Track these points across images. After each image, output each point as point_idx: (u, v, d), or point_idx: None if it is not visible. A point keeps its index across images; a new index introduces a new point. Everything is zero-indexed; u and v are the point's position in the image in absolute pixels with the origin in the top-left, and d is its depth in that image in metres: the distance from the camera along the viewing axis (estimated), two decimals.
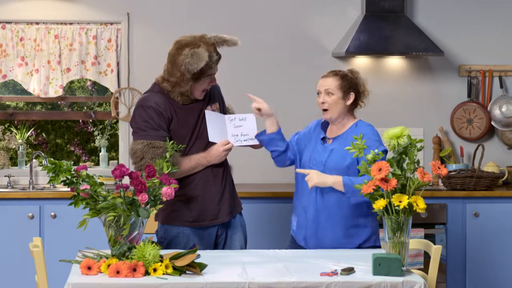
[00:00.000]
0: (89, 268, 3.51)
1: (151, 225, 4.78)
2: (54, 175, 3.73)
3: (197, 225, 4.39)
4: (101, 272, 3.52)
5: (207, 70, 4.31)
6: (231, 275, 3.53)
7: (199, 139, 4.41)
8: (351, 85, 4.32)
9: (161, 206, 3.80)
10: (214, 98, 4.51)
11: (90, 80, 6.75)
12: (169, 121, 4.34)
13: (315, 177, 4.17)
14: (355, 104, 4.36)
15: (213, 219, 4.42)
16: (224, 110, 4.61)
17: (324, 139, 4.35)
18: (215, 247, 4.46)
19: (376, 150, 3.80)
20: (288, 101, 6.32)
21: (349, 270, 3.56)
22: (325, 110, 4.31)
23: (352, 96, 4.31)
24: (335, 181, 4.16)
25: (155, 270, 3.48)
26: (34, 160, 6.29)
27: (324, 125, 4.43)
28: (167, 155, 4.02)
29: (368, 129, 4.28)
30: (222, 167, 4.46)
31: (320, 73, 4.40)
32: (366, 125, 4.34)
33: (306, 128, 4.50)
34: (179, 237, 4.39)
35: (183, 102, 4.37)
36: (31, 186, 6.11)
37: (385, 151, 4.14)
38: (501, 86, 6.42)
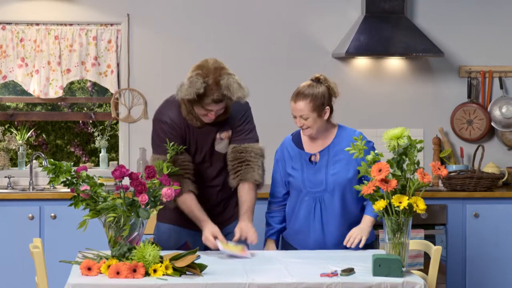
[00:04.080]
0: (89, 269, 3.51)
1: (151, 226, 4.78)
2: (54, 176, 3.73)
3: (183, 225, 4.40)
4: (101, 273, 3.52)
5: (199, 100, 4.11)
6: (231, 276, 3.53)
7: (207, 162, 4.36)
8: (323, 101, 4.18)
9: (161, 207, 3.80)
10: (227, 125, 4.32)
11: (90, 81, 6.74)
12: (183, 136, 4.25)
13: (359, 234, 4.17)
14: (331, 111, 4.25)
15: (194, 225, 4.37)
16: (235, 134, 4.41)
17: (310, 158, 4.26)
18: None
19: (376, 151, 3.81)
20: (287, 102, 6.31)
21: (349, 271, 3.56)
22: (305, 128, 4.22)
23: (327, 110, 4.19)
24: (370, 223, 4.20)
25: (155, 271, 3.48)
26: (34, 161, 6.29)
27: (296, 141, 4.33)
28: (168, 156, 4.01)
29: (357, 132, 4.23)
30: (219, 187, 4.39)
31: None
32: (355, 130, 4.26)
33: (278, 163, 4.37)
34: (170, 234, 4.39)
35: (189, 120, 4.25)
36: (31, 187, 6.11)
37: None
38: (501, 87, 6.42)
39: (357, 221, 4.23)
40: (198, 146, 4.29)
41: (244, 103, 4.33)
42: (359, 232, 4.16)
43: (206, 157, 4.31)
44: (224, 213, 4.43)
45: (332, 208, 4.21)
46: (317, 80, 4.22)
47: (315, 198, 4.23)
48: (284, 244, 4.39)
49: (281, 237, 4.43)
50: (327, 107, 4.19)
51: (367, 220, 4.19)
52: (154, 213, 3.76)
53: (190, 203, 4.21)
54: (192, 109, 4.21)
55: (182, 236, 4.38)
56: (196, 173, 4.29)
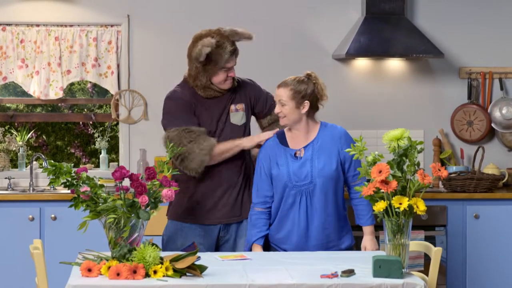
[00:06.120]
0: (89, 270, 3.51)
1: (151, 227, 4.78)
2: (54, 177, 3.74)
3: (193, 221, 4.46)
4: (101, 274, 3.52)
5: (217, 59, 4.35)
6: (232, 277, 3.53)
7: (221, 135, 4.45)
8: (305, 94, 4.26)
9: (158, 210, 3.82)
10: (240, 98, 4.54)
11: (90, 82, 6.74)
12: (192, 108, 4.43)
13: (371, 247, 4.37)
14: (314, 109, 4.33)
15: (207, 219, 4.45)
16: (252, 111, 4.63)
17: (295, 154, 4.30)
18: (219, 248, 4.49)
19: (376, 152, 3.81)
20: None
21: (350, 272, 3.56)
22: (282, 117, 4.31)
23: (306, 104, 4.26)
24: (372, 233, 4.40)
25: (155, 272, 3.48)
26: (34, 162, 6.29)
27: (281, 138, 4.37)
28: (167, 157, 4.02)
29: (343, 129, 4.35)
30: (238, 175, 4.49)
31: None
32: (337, 126, 4.38)
33: (262, 161, 4.36)
34: (177, 233, 4.47)
35: (206, 96, 4.44)
36: (31, 188, 6.11)
37: None
38: (501, 88, 6.42)
39: (343, 217, 4.35)
40: (209, 119, 4.43)
41: (249, 81, 4.66)
42: (374, 245, 4.38)
43: (218, 129, 4.45)
44: (236, 203, 4.51)
45: (318, 201, 4.25)
46: (307, 77, 4.33)
47: (301, 192, 4.26)
48: (267, 247, 4.41)
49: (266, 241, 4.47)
50: (307, 101, 4.26)
51: (368, 231, 4.38)
52: (154, 214, 3.76)
53: (223, 146, 4.39)
54: (211, 83, 4.40)
55: (190, 235, 4.43)
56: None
